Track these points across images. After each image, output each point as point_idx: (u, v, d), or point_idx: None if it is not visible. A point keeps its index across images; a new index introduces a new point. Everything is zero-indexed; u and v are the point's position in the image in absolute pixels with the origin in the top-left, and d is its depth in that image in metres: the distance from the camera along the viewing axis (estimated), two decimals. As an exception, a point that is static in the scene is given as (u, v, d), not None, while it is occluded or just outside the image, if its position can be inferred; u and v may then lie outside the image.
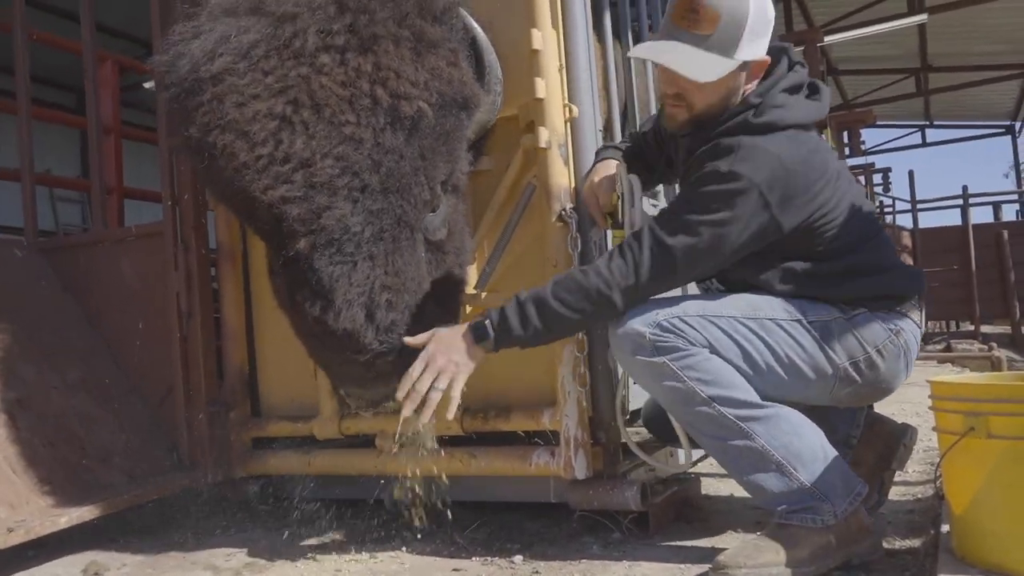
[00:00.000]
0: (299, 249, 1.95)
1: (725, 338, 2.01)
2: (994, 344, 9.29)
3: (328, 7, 1.99)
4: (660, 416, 2.44)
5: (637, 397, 2.57)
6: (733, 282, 2.18)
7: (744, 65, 2.03)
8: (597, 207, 2.34)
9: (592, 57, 2.58)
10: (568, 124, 2.49)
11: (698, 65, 1.98)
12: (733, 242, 1.97)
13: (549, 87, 2.45)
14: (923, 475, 3.01)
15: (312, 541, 2.58)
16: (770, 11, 2.05)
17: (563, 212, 2.41)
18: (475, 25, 2.27)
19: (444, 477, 2.47)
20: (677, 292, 2.32)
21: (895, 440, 2.36)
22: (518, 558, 2.27)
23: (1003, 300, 11.28)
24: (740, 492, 2.77)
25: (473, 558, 2.31)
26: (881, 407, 2.53)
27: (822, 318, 2.06)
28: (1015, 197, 15.76)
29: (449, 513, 2.45)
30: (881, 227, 2.24)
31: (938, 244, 11.63)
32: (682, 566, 2.10)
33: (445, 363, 2.00)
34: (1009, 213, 15.10)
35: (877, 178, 14.26)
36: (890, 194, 14.74)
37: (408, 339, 2.04)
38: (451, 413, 2.03)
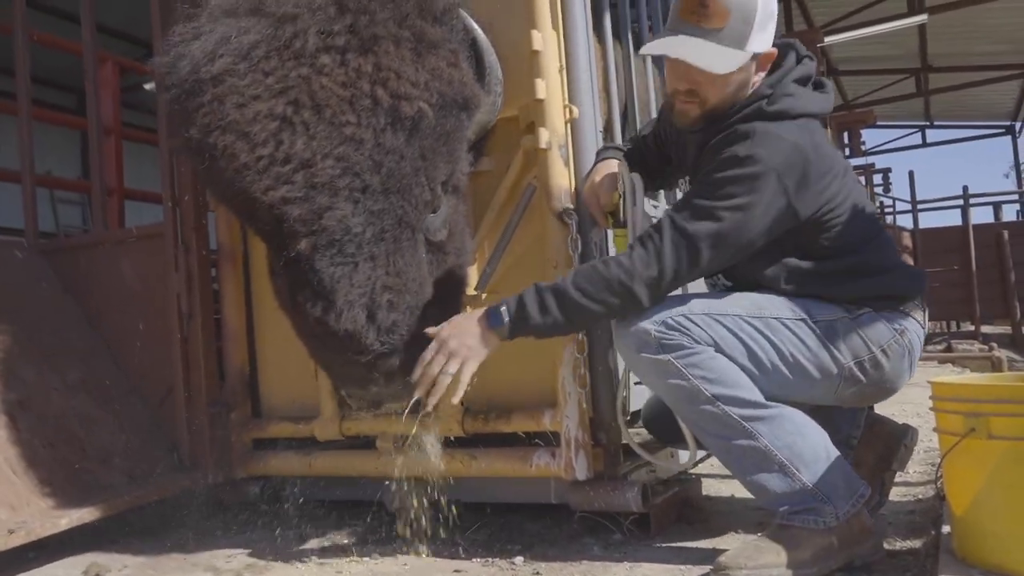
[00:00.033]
0: (300, 250, 1.95)
1: (730, 337, 2.01)
2: (994, 344, 9.29)
3: (328, 8, 1.99)
4: (660, 417, 2.44)
5: (638, 398, 2.57)
6: (738, 280, 2.19)
7: (754, 57, 2.05)
8: (598, 206, 2.34)
9: (592, 58, 2.58)
10: (568, 125, 2.49)
11: (714, 58, 1.99)
12: (755, 227, 1.96)
13: (549, 88, 2.45)
14: (924, 476, 3.01)
15: (313, 542, 2.58)
16: (774, 3, 2.06)
17: (563, 213, 2.41)
18: (475, 26, 2.26)
19: (445, 479, 2.47)
20: (678, 291, 2.32)
21: (896, 441, 2.36)
22: (519, 559, 2.27)
23: (1003, 300, 11.28)
24: (741, 493, 2.77)
25: (474, 559, 2.31)
26: (881, 408, 2.53)
27: (827, 318, 2.06)
28: (1015, 197, 15.75)
29: (450, 514, 2.45)
30: (883, 228, 2.25)
31: (938, 244, 11.63)
32: (683, 567, 2.10)
33: (457, 347, 1.99)
34: (1009, 213, 15.11)
35: (877, 178, 14.27)
36: (890, 194, 14.74)
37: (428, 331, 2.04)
38: (456, 397, 2.01)
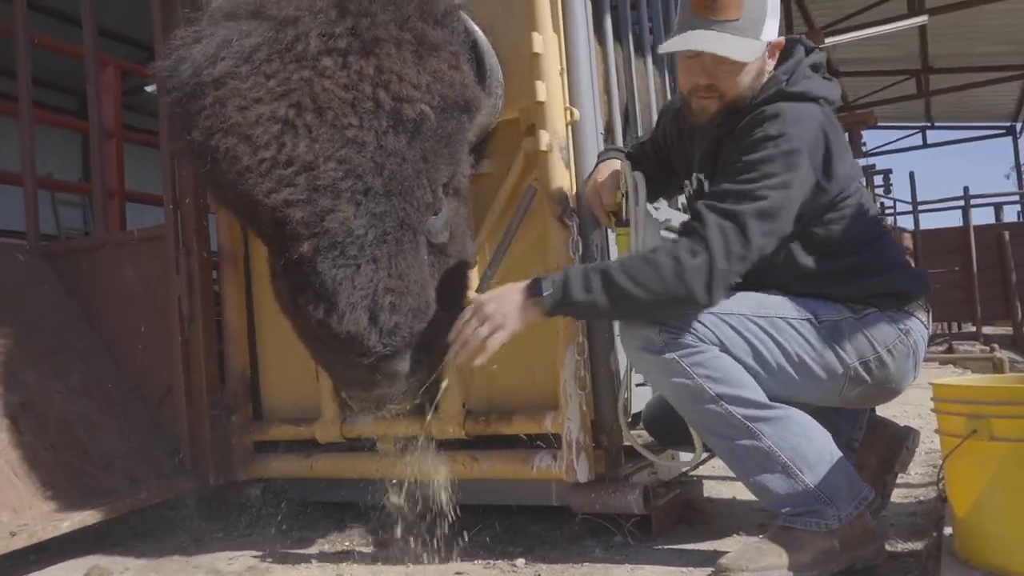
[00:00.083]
0: (302, 252, 1.95)
1: (735, 336, 2.01)
2: (996, 345, 9.29)
3: (330, 10, 1.99)
4: (661, 419, 2.44)
5: (639, 400, 2.57)
6: (743, 279, 2.18)
7: (768, 46, 2.07)
8: (600, 206, 2.34)
9: (593, 60, 2.58)
10: (569, 127, 2.49)
11: (737, 48, 2.00)
12: (795, 204, 1.97)
13: (550, 90, 2.45)
14: (925, 477, 3.00)
15: (314, 545, 2.58)
16: None
17: (564, 215, 2.41)
18: (476, 28, 2.27)
19: (446, 481, 2.47)
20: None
21: (898, 443, 2.36)
22: (520, 561, 2.27)
23: (1004, 301, 11.27)
24: (742, 495, 2.77)
25: (475, 561, 2.31)
26: (883, 409, 2.53)
27: (832, 318, 2.06)
28: (1016, 198, 15.74)
29: (451, 516, 2.45)
30: (886, 228, 2.26)
31: (939, 245, 11.63)
32: (684, 569, 2.10)
33: (493, 312, 1.97)
34: (1010, 214, 15.10)
35: (878, 179, 14.27)
36: (891, 196, 14.74)
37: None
38: (480, 360, 1.99)
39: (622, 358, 2.46)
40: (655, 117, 3.00)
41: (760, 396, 1.99)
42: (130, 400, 3.20)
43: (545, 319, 2.01)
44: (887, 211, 13.73)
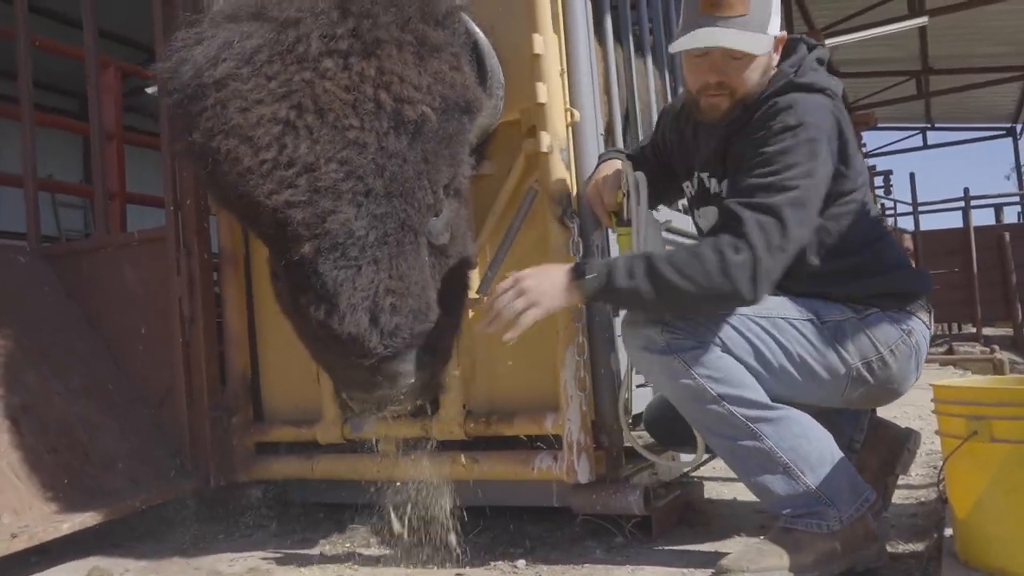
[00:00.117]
0: (304, 253, 1.95)
1: (737, 336, 2.01)
2: (996, 347, 9.28)
3: (331, 12, 1.99)
4: (662, 419, 2.44)
5: (640, 401, 2.57)
6: None
7: (774, 40, 2.08)
8: (601, 205, 2.34)
9: (593, 61, 2.59)
10: (570, 128, 2.49)
11: (748, 42, 2.01)
12: (822, 192, 1.97)
13: (551, 91, 2.45)
14: (926, 478, 3.00)
15: (315, 546, 2.58)
16: None
17: (565, 216, 2.41)
18: (477, 29, 2.27)
19: (447, 482, 2.47)
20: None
21: (899, 445, 2.36)
22: (521, 562, 2.27)
23: (1005, 302, 11.28)
24: (743, 496, 2.77)
25: (476, 562, 2.31)
26: (883, 410, 2.53)
27: (835, 318, 2.06)
28: (1016, 199, 15.75)
29: (452, 517, 2.45)
30: (886, 228, 2.26)
31: (940, 246, 11.64)
32: (685, 570, 2.10)
33: (532, 287, 1.94)
34: (1011, 215, 15.08)
35: (879, 181, 14.27)
36: (891, 197, 14.74)
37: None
38: (511, 335, 1.97)
39: (622, 359, 2.46)
40: (655, 118, 2.99)
41: (762, 396, 1.99)
42: (131, 401, 3.20)
43: (584, 303, 1.99)
44: (887, 212, 13.72)
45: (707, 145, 2.26)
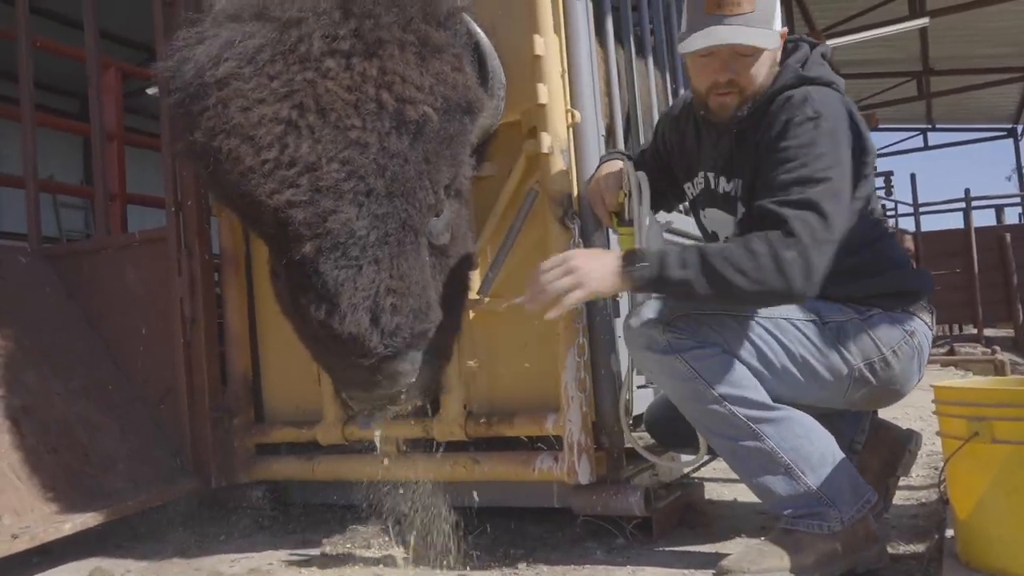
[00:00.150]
0: (305, 253, 1.95)
1: (740, 337, 2.01)
2: (997, 347, 9.28)
3: (333, 12, 2.00)
4: (663, 420, 2.44)
5: (641, 402, 2.57)
6: None
7: (779, 36, 2.08)
8: (603, 206, 2.33)
9: (594, 62, 2.59)
10: (570, 129, 2.49)
11: (760, 37, 2.01)
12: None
13: (551, 93, 2.45)
14: (927, 479, 3.00)
15: (316, 547, 2.58)
16: None
17: (565, 217, 2.41)
18: (478, 30, 2.27)
19: (447, 483, 2.47)
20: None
21: (900, 446, 2.36)
22: (521, 564, 2.27)
23: (1006, 303, 11.28)
24: (744, 497, 2.77)
25: (477, 563, 2.30)
26: (884, 411, 2.53)
27: (837, 318, 2.06)
28: (1017, 200, 15.75)
29: (453, 518, 2.45)
30: (887, 228, 2.26)
31: (941, 247, 11.63)
32: (686, 571, 2.10)
33: (579, 267, 1.92)
34: (1011, 216, 15.10)
35: (879, 181, 14.26)
36: (893, 197, 14.73)
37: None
38: (553, 314, 1.95)
39: (623, 360, 2.46)
40: (656, 118, 2.99)
41: (763, 397, 1.99)
42: (131, 402, 3.20)
43: (632, 290, 1.95)
44: (888, 213, 13.72)
45: (714, 145, 2.25)
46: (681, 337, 1.99)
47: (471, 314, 2.56)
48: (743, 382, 1.99)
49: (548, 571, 2.20)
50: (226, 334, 3.09)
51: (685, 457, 2.53)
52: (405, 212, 2.01)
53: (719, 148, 2.22)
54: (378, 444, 2.53)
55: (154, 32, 3.21)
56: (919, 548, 2.16)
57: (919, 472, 3.09)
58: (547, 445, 2.56)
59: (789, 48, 2.16)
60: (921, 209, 12.64)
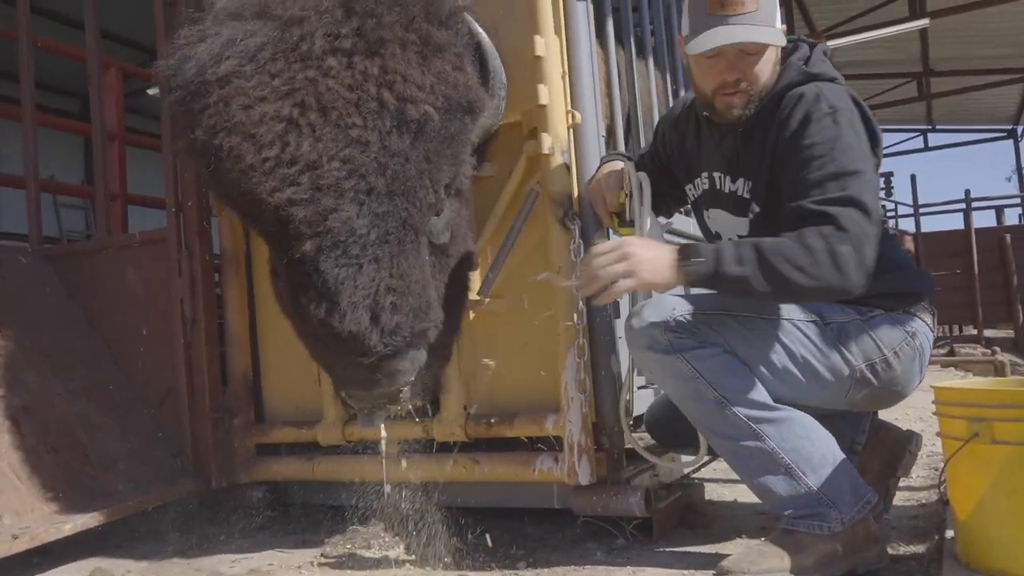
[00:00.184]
0: (305, 251, 1.95)
1: (741, 337, 2.01)
2: (997, 348, 9.27)
3: (335, 11, 2.00)
4: (663, 421, 2.44)
5: (641, 402, 2.57)
6: None
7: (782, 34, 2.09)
8: (603, 206, 2.33)
9: (595, 63, 2.59)
10: (571, 130, 2.49)
11: (769, 34, 2.02)
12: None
13: (552, 94, 2.45)
14: (927, 480, 3.00)
15: (315, 547, 2.58)
16: None
17: (566, 218, 2.41)
18: (480, 30, 2.27)
19: (448, 483, 2.47)
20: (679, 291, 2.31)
21: (901, 447, 2.36)
22: (521, 564, 2.27)
23: (1006, 304, 11.27)
24: (744, 498, 2.77)
25: (476, 564, 2.30)
26: (884, 412, 2.53)
27: (839, 319, 2.05)
28: (1017, 201, 15.75)
29: (453, 519, 2.45)
30: (888, 229, 2.26)
31: (941, 248, 11.63)
32: (686, 572, 2.10)
33: (634, 254, 1.89)
34: (1012, 217, 15.10)
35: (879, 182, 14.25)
36: (892, 198, 14.73)
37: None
38: (600, 301, 1.95)
39: (623, 360, 2.46)
40: (656, 119, 2.99)
41: (764, 397, 1.99)
42: (131, 402, 3.20)
43: (685, 285, 1.93)
44: (889, 214, 13.72)
45: (717, 145, 2.25)
46: (682, 337, 1.99)
47: (471, 315, 2.56)
48: (744, 382, 1.99)
49: (548, 572, 2.20)
50: (226, 334, 3.09)
51: (685, 458, 2.53)
52: (405, 211, 2.01)
53: (723, 148, 2.22)
54: (385, 447, 2.53)
55: (155, 32, 3.21)
56: (919, 549, 2.16)
57: (919, 473, 3.09)
58: (547, 446, 2.56)
59: (788, 48, 2.16)
60: (921, 210, 12.64)
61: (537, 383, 2.54)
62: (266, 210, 1.95)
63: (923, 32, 11.83)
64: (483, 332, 2.63)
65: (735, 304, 2.03)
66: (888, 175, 15.61)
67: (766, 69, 2.08)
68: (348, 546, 2.56)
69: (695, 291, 2.23)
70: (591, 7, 2.62)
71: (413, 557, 2.37)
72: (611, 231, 2.44)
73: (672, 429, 2.37)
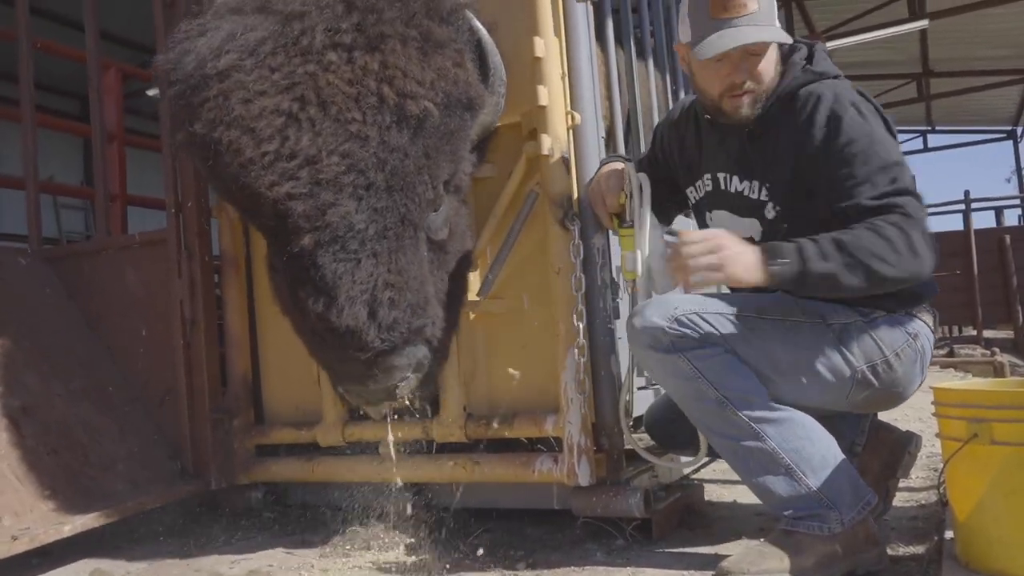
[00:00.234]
0: (303, 246, 1.95)
1: (742, 337, 2.01)
2: (997, 349, 9.27)
3: (336, 6, 2.00)
4: (663, 422, 2.44)
5: (641, 403, 2.57)
6: None
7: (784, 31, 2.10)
8: (603, 207, 2.33)
9: (594, 64, 2.59)
10: (571, 131, 2.49)
11: (775, 34, 2.03)
12: None
13: (552, 94, 2.45)
14: (927, 481, 3.00)
15: (315, 548, 2.58)
16: None
17: (565, 219, 2.41)
18: (480, 27, 2.27)
19: (447, 484, 2.47)
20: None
21: (900, 448, 2.36)
22: (521, 565, 2.27)
23: (1006, 305, 11.27)
24: (744, 498, 2.77)
25: (476, 565, 2.30)
26: (884, 413, 2.53)
27: (841, 320, 2.05)
28: (1017, 202, 15.73)
29: (452, 520, 2.45)
30: None
31: (940, 249, 11.57)
32: (685, 572, 2.10)
33: (724, 246, 1.89)
34: (1011, 218, 15.04)
35: (879, 183, 14.21)
36: (892, 199, 14.66)
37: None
38: (688, 285, 1.94)
39: (623, 361, 2.46)
40: (656, 120, 2.99)
41: (765, 397, 1.99)
42: (131, 403, 3.20)
43: (770, 285, 1.91)
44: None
45: (718, 146, 2.25)
46: (684, 337, 1.99)
47: (471, 315, 2.56)
48: (746, 382, 1.99)
49: (548, 573, 2.19)
50: (226, 335, 3.09)
51: (685, 459, 2.53)
52: (404, 206, 2.01)
53: (727, 148, 2.22)
54: (391, 449, 2.54)
55: (155, 33, 3.21)
56: (919, 550, 2.16)
57: (919, 474, 3.09)
58: (547, 447, 2.56)
59: (787, 49, 2.17)
60: (921, 211, 12.61)
61: (537, 384, 2.54)
62: (265, 204, 1.95)
63: (923, 33, 11.83)
64: (483, 332, 2.63)
65: (735, 305, 2.03)
66: (888, 176, 15.53)
67: (770, 68, 2.09)
68: (348, 547, 2.56)
69: (694, 291, 2.23)
70: (591, 8, 2.62)
71: (413, 558, 2.37)
72: (611, 232, 2.44)
73: (671, 430, 2.37)
